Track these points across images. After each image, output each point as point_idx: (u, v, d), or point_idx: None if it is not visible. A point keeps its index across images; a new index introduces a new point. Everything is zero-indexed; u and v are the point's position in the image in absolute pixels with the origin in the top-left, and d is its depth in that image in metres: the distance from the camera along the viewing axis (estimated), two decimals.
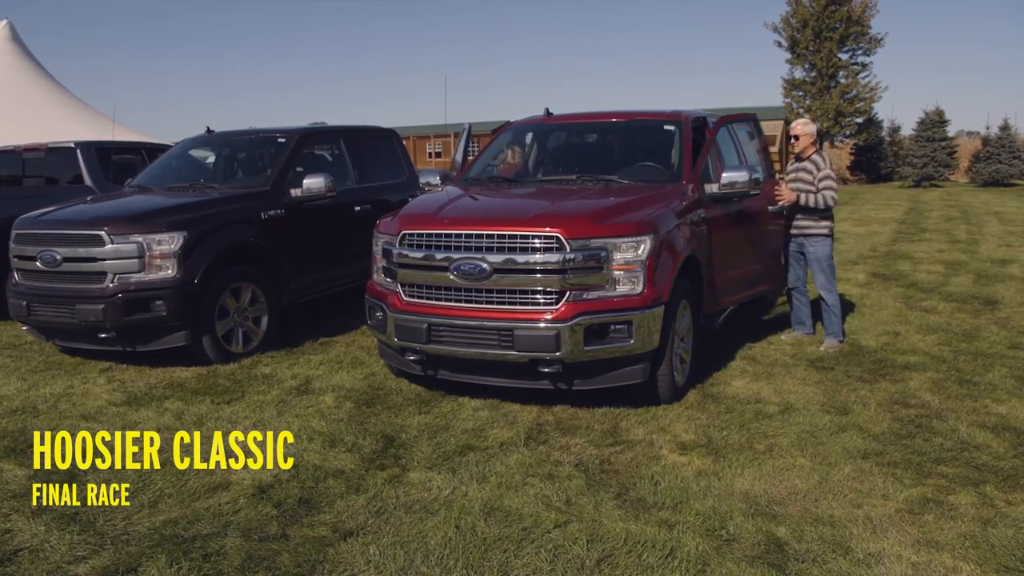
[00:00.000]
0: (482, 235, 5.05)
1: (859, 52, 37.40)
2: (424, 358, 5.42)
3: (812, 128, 6.99)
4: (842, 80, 37.33)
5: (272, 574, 3.39)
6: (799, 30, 37.23)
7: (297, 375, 6.29)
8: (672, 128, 6.66)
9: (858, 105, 37.03)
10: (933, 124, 33.55)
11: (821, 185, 6.71)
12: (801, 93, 38.08)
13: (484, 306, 5.08)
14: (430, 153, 47.70)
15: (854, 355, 6.61)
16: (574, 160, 7.11)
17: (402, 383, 6.01)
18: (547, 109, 7.46)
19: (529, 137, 7.51)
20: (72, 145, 10.10)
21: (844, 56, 37.34)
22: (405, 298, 5.38)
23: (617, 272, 4.98)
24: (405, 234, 5.36)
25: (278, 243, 7.29)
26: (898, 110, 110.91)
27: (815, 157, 6.84)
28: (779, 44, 38.67)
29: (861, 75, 37.28)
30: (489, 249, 5.01)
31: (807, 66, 37.88)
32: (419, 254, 5.26)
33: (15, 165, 10.51)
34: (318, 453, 4.67)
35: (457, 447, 4.75)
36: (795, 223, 6.96)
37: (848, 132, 38.33)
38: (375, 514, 3.91)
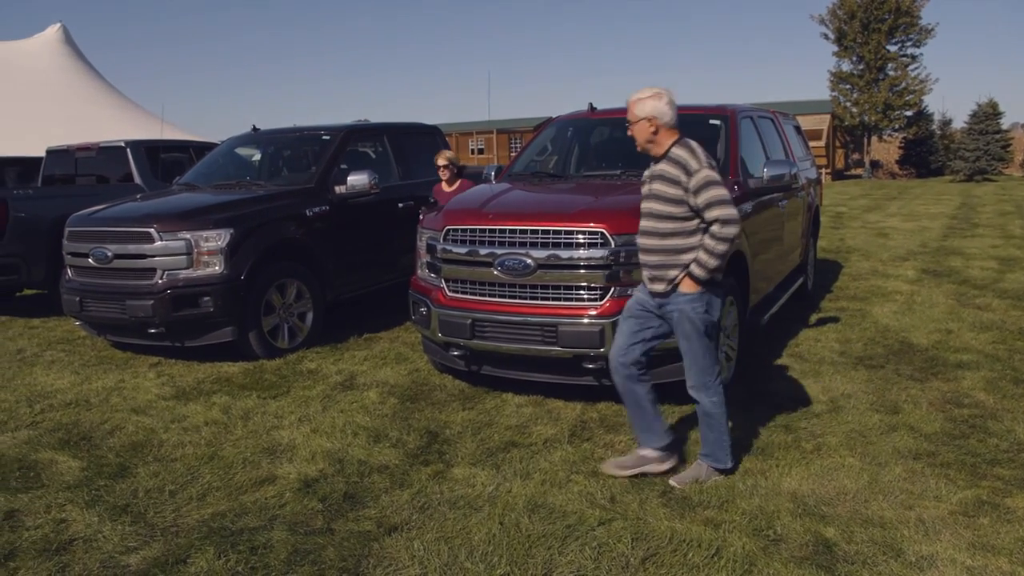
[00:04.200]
0: (526, 231, 5.04)
1: (908, 44, 36.64)
2: (468, 354, 5.43)
3: (658, 106, 3.95)
4: (891, 72, 36.58)
5: (317, 568, 3.41)
6: (846, 22, 36.58)
7: (342, 371, 6.34)
8: (718, 122, 6.57)
9: (907, 98, 36.27)
10: (986, 116, 32.79)
11: (702, 201, 3.82)
12: (848, 86, 37.42)
13: (528, 302, 5.06)
14: (472, 150, 47.78)
15: (904, 353, 6.47)
16: (618, 155, 7.03)
17: (446, 379, 6.02)
18: (591, 104, 7.41)
19: (571, 132, 7.47)
20: (122, 144, 10.32)
21: (893, 48, 36.61)
22: (449, 293, 5.39)
23: None
24: (449, 229, 5.36)
25: (323, 240, 7.35)
26: (949, 102, 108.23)
27: (677, 152, 3.95)
28: (826, 36, 38.08)
29: (911, 67, 36.52)
30: (533, 244, 4.99)
31: (855, 58, 37.22)
32: (463, 249, 5.26)
33: (68, 164, 10.77)
34: (363, 448, 4.70)
35: (501, 443, 4.74)
36: (647, 256, 4.07)
37: (897, 126, 37.60)
38: (419, 509, 3.92)
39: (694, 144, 3.93)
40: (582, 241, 4.89)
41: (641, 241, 4.11)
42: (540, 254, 4.96)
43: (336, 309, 7.79)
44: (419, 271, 5.85)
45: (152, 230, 6.53)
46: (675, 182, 3.89)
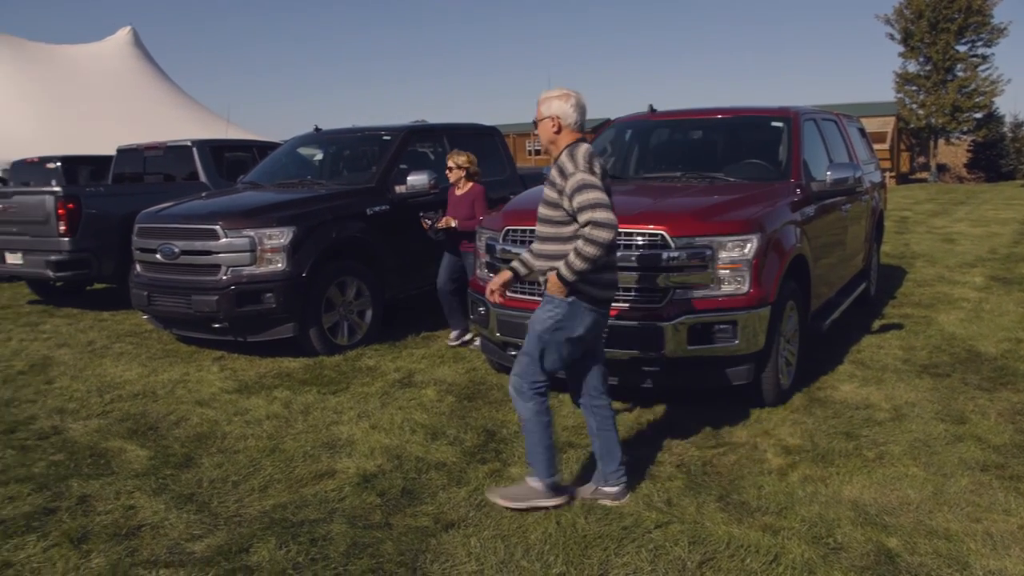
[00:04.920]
0: None
1: (979, 43, 35.52)
2: None
3: (563, 107, 3.83)
4: (960, 73, 35.54)
5: (376, 561, 3.46)
6: (913, 21, 35.64)
7: (400, 368, 6.41)
8: (780, 125, 6.48)
9: (977, 100, 35.17)
10: None
11: (576, 204, 3.65)
12: (915, 88, 36.46)
13: None
14: (530, 151, 47.87)
15: (971, 362, 6.29)
16: (678, 157, 7.01)
17: (503, 378, 6.05)
18: (651, 106, 7.38)
19: (630, 133, 7.44)
20: (189, 144, 10.61)
21: (962, 48, 35.53)
22: (508, 293, 5.40)
23: (722, 271, 4.88)
24: (509, 230, 5.38)
25: (383, 239, 7.44)
26: (1022, 104, 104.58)
27: (562, 156, 3.79)
28: (891, 37, 37.16)
29: (981, 68, 35.40)
30: None
31: (922, 59, 36.25)
32: (522, 250, 5.27)
33: (137, 163, 11.11)
34: (420, 445, 4.75)
35: (557, 444, 4.73)
36: (540, 246, 3.96)
37: (966, 128, 36.50)
38: (476, 507, 3.95)
39: (581, 148, 3.76)
40: (642, 243, 4.87)
41: (532, 246, 4.04)
42: None
43: (396, 308, 7.88)
44: (478, 270, 5.89)
45: (217, 227, 6.69)
46: (553, 184, 3.80)
